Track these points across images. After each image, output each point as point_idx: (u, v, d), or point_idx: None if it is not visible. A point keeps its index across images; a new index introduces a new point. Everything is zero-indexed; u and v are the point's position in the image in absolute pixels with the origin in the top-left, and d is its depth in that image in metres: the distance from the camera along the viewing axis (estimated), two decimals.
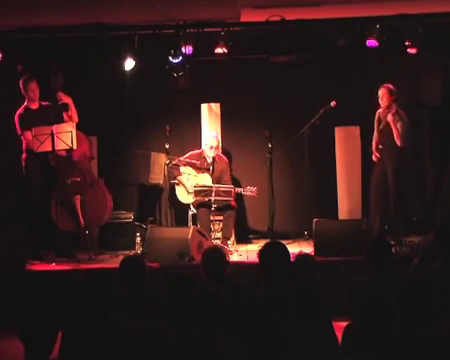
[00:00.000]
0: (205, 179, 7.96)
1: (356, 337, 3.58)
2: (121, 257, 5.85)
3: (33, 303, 6.02)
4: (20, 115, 7.43)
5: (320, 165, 8.71)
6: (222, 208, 7.79)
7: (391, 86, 7.72)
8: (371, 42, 7.45)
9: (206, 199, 7.62)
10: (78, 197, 7.61)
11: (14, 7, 7.60)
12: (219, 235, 8.04)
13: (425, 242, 7.10)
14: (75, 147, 7.35)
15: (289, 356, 3.38)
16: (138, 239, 7.83)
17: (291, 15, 7.40)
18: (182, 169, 8.08)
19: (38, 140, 7.20)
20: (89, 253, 7.42)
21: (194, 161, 8.04)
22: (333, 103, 7.94)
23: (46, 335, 3.33)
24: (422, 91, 8.83)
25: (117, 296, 4.22)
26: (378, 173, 7.94)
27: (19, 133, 7.45)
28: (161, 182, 8.14)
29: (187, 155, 8.10)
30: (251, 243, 8.49)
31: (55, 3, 7.57)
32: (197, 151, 8.20)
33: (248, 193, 7.73)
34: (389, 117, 7.67)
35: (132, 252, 7.72)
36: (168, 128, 7.92)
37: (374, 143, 7.97)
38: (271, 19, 7.36)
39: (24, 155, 7.53)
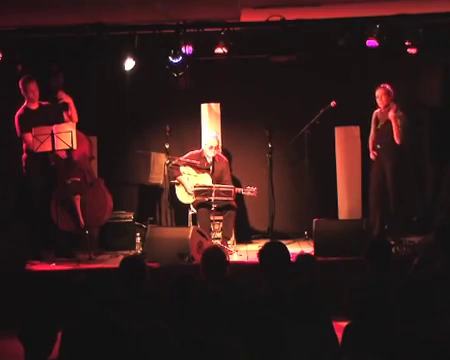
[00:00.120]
0: (205, 179, 7.96)
1: (356, 337, 3.58)
2: (121, 257, 5.84)
3: (33, 303, 6.03)
4: (20, 116, 7.43)
5: (320, 165, 8.71)
6: (222, 208, 7.79)
7: (388, 86, 7.74)
8: (371, 42, 7.45)
9: (206, 199, 7.62)
10: (78, 197, 7.61)
11: (14, 7, 7.60)
12: (219, 235, 8.04)
13: (425, 242, 7.10)
14: (75, 147, 7.34)
15: (289, 356, 3.38)
16: (138, 239, 7.83)
17: (291, 15, 7.40)
18: (182, 169, 8.08)
19: (38, 140, 7.19)
20: (89, 253, 7.42)
21: (194, 161, 8.04)
22: (333, 103, 7.95)
23: (46, 335, 3.33)
24: (422, 91, 8.83)
25: (117, 296, 4.22)
26: (376, 173, 7.95)
27: (19, 135, 7.45)
28: (161, 182, 8.14)
29: (187, 155, 8.10)
30: (251, 243, 8.49)
31: (55, 3, 7.58)
32: (197, 151, 8.20)
33: (248, 193, 7.73)
34: (391, 114, 7.67)
35: (132, 252, 7.72)
36: (168, 128, 7.92)
37: (371, 142, 7.99)
38: (271, 19, 7.36)
39: (24, 155, 7.53)
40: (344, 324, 3.79)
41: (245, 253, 7.72)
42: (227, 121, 8.69)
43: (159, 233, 7.34)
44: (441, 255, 4.96)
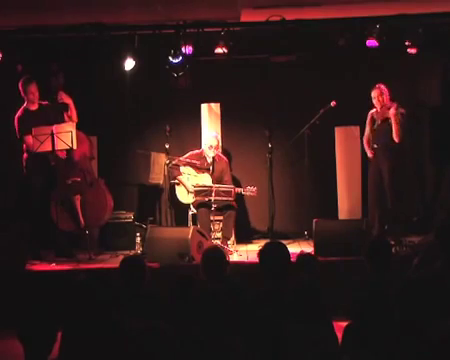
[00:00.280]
0: (205, 179, 7.97)
1: (356, 337, 3.58)
2: (121, 257, 5.84)
3: (33, 303, 6.02)
4: (19, 118, 7.43)
5: (320, 165, 8.71)
6: (222, 208, 7.79)
7: (383, 86, 7.75)
8: (371, 42, 7.45)
9: (206, 199, 7.62)
10: (78, 197, 7.61)
11: (14, 7, 7.60)
12: (219, 235, 8.04)
13: (425, 242, 7.09)
14: (75, 147, 7.34)
15: (289, 356, 3.38)
16: (138, 239, 7.83)
17: (291, 15, 7.40)
18: (182, 169, 8.08)
19: (38, 140, 7.19)
20: (89, 253, 7.42)
21: (194, 161, 8.04)
22: (333, 103, 7.95)
23: (46, 335, 3.32)
24: (422, 91, 8.84)
25: (117, 296, 4.22)
26: (373, 173, 7.96)
27: (18, 137, 7.45)
28: (161, 182, 8.15)
29: (187, 155, 8.10)
30: (251, 243, 8.49)
31: (55, 3, 7.58)
32: (197, 151, 8.20)
33: (248, 193, 7.72)
34: (392, 111, 7.67)
35: (132, 252, 7.72)
36: (168, 128, 7.92)
37: (366, 141, 8.00)
38: (271, 19, 7.37)
39: (25, 155, 7.53)
40: (344, 324, 3.79)
41: (245, 253, 7.72)
42: (227, 121, 8.69)
43: (159, 233, 7.34)
44: (441, 255, 4.96)
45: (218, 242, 7.72)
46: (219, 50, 7.58)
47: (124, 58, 7.52)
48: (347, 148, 8.61)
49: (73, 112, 7.59)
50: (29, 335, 3.30)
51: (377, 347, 3.37)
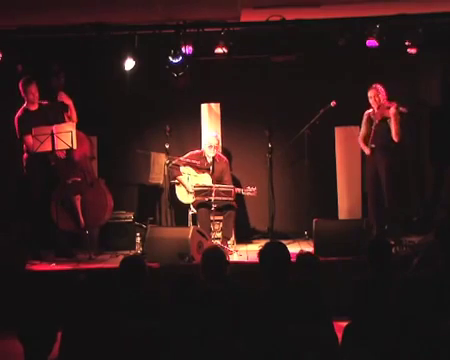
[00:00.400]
0: (205, 179, 7.97)
1: (356, 337, 3.58)
2: (121, 257, 5.84)
3: (33, 303, 6.03)
4: (19, 118, 7.43)
5: (320, 165, 8.71)
6: (222, 208, 7.79)
7: (379, 86, 7.75)
8: (371, 42, 7.45)
9: (206, 199, 7.62)
10: (78, 197, 7.61)
11: (14, 7, 7.60)
12: (219, 235, 8.05)
13: (425, 242, 7.09)
14: (75, 147, 7.34)
15: (289, 356, 3.38)
16: (138, 239, 7.83)
17: (291, 15, 7.40)
18: (182, 169, 8.08)
19: (38, 140, 7.20)
20: (89, 253, 7.42)
21: (194, 161, 8.04)
22: (333, 103, 7.95)
23: (46, 335, 3.33)
24: (422, 91, 8.84)
25: (117, 296, 4.22)
26: (371, 173, 7.96)
27: (18, 137, 7.45)
28: (161, 182, 8.15)
29: (187, 155, 8.10)
30: (251, 243, 8.49)
31: (55, 3, 7.57)
32: (197, 151, 8.20)
33: (248, 193, 7.72)
34: (392, 111, 7.67)
35: (132, 252, 7.72)
36: (168, 128, 7.93)
37: (361, 139, 7.98)
38: (271, 19, 7.37)
39: (25, 155, 7.53)
40: (344, 324, 3.79)
41: (245, 253, 7.72)
42: (227, 121, 8.69)
43: (159, 233, 7.34)
44: (441, 255, 4.96)
45: (218, 242, 7.72)
46: (219, 50, 7.58)
47: (124, 58, 7.52)
48: (347, 148, 8.61)
49: (73, 112, 7.59)
50: (29, 335, 3.30)
51: (377, 347, 3.37)
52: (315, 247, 7.13)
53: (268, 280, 4.45)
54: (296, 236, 8.41)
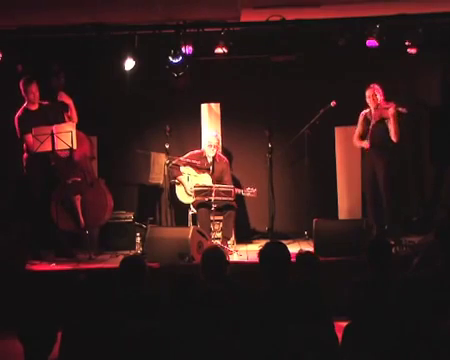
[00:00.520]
0: (205, 179, 7.97)
1: (356, 337, 3.58)
2: (121, 257, 5.84)
3: (33, 303, 6.03)
4: (19, 117, 7.43)
5: (320, 165, 8.71)
6: (222, 208, 7.79)
7: (377, 86, 7.75)
8: (371, 42, 7.45)
9: (206, 199, 7.61)
10: (78, 197, 7.61)
11: (14, 7, 7.60)
12: (219, 235, 8.04)
13: (425, 242, 7.09)
14: (75, 147, 7.35)
15: (289, 356, 3.38)
16: (138, 239, 7.83)
17: (291, 15, 7.40)
18: (182, 169, 8.08)
19: (38, 140, 7.20)
20: (89, 253, 7.42)
21: (194, 161, 8.04)
22: (333, 103, 7.95)
23: (46, 335, 3.33)
24: (422, 91, 8.83)
25: (117, 296, 4.22)
26: (368, 173, 7.96)
27: (19, 136, 7.45)
28: (161, 182, 8.15)
29: (187, 155, 8.10)
30: (251, 243, 8.49)
31: (55, 3, 7.57)
32: (197, 151, 8.20)
33: (248, 194, 7.72)
34: (391, 111, 7.67)
35: (132, 252, 7.72)
36: (168, 128, 7.93)
37: (357, 138, 7.97)
38: (271, 19, 7.37)
39: (25, 155, 7.53)
40: (344, 324, 3.79)
41: (245, 253, 7.72)
42: (227, 121, 8.69)
43: (159, 233, 7.34)
44: (441, 255, 4.96)
45: (218, 242, 7.72)
46: (219, 50, 7.58)
47: (124, 58, 7.52)
48: (347, 148, 8.61)
49: (73, 112, 7.59)
50: (29, 335, 3.30)
51: (377, 347, 3.37)
52: (315, 247, 7.13)
53: (268, 280, 4.45)
54: (296, 236, 8.40)
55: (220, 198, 7.58)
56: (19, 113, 7.46)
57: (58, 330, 3.44)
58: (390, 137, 7.75)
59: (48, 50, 7.63)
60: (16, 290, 6.64)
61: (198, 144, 8.48)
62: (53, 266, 7.16)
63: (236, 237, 8.14)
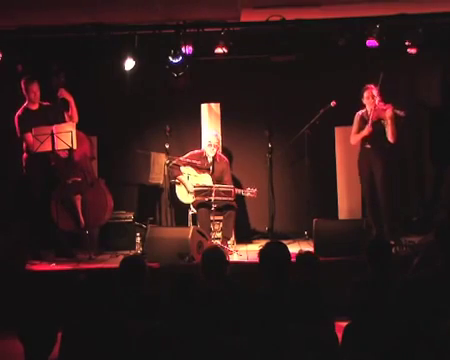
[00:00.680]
0: (205, 179, 7.97)
1: (356, 337, 3.58)
2: (121, 257, 5.84)
3: (33, 303, 6.03)
4: (19, 117, 7.44)
5: (320, 165, 8.71)
6: (222, 208, 7.79)
7: (374, 86, 7.73)
8: (371, 42, 7.45)
9: (206, 199, 7.61)
10: (78, 197, 7.62)
11: (14, 7, 7.60)
12: (219, 235, 8.04)
13: (425, 242, 7.09)
14: (75, 147, 7.35)
15: (289, 356, 3.38)
16: (138, 239, 7.83)
17: (291, 15, 7.40)
18: (182, 169, 8.08)
19: (38, 140, 7.20)
20: (89, 253, 7.42)
21: (194, 161, 8.04)
22: (333, 103, 7.95)
23: (46, 335, 3.33)
24: (422, 91, 8.83)
25: (117, 296, 4.22)
26: (365, 174, 7.94)
27: (19, 136, 7.46)
28: (161, 182, 8.15)
29: (187, 155, 8.10)
30: (251, 243, 8.49)
31: (55, 3, 7.57)
32: (197, 151, 8.20)
33: (248, 194, 7.72)
34: (388, 113, 7.66)
35: (132, 252, 7.71)
36: (168, 128, 7.93)
37: (353, 134, 7.94)
38: (271, 19, 7.37)
39: (25, 155, 7.54)
40: (344, 324, 3.79)
41: (245, 253, 7.71)
42: (227, 121, 8.69)
43: (159, 233, 7.34)
44: (441, 255, 4.96)
45: (218, 242, 7.72)
46: (219, 50, 7.58)
47: (124, 58, 7.52)
48: (347, 148, 8.60)
49: (74, 110, 7.59)
50: (29, 335, 3.30)
51: (377, 347, 3.37)
52: (315, 247, 7.13)
53: (268, 280, 4.45)
54: (296, 236, 8.40)
55: (220, 198, 7.58)
56: (19, 112, 7.47)
57: (58, 330, 3.44)
58: (387, 138, 7.74)
59: (48, 50, 7.63)
60: (16, 290, 6.64)
61: (198, 144, 8.48)
62: (53, 266, 7.16)
63: (236, 237, 8.14)
